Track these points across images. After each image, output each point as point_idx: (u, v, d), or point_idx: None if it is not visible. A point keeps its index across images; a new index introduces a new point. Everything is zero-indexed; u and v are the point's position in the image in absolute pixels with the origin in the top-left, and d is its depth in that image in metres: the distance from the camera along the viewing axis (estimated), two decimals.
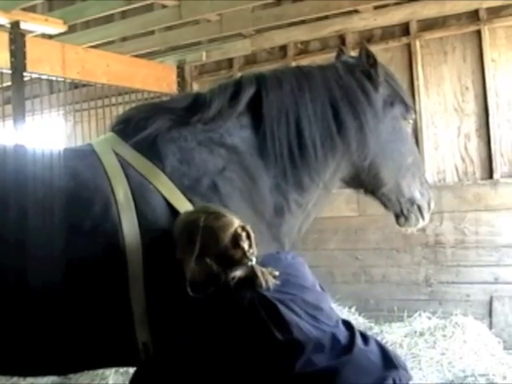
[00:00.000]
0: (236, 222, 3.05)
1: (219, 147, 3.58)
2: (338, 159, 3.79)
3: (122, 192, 3.26)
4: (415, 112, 4.24)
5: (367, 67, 3.96)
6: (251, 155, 3.63)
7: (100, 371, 6.50)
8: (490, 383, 5.77)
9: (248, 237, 3.02)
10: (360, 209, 7.94)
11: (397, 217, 4.21)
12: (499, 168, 7.56)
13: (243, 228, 3.04)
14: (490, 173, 7.65)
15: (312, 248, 7.98)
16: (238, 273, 2.94)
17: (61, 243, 3.13)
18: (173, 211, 3.27)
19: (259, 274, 2.93)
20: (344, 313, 7.58)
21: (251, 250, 3.00)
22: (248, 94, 3.74)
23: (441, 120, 7.79)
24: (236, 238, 2.99)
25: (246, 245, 2.99)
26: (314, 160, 3.69)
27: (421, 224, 4.28)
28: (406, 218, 4.18)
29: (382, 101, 3.99)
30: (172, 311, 3.25)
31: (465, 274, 7.44)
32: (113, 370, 6.55)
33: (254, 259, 2.98)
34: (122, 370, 6.57)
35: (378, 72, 3.96)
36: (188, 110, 3.67)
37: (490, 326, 7.20)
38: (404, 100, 4.13)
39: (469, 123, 7.83)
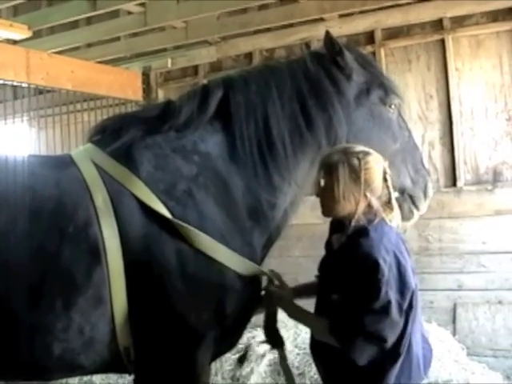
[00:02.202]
0: (380, 157, 3.38)
1: (192, 154, 3.60)
2: (309, 155, 3.76)
3: (100, 199, 3.29)
4: (398, 96, 4.09)
5: (334, 55, 3.86)
6: (223, 160, 3.65)
7: (63, 381, 6.45)
8: None
9: (389, 171, 3.37)
10: None
11: None
12: (463, 176, 7.62)
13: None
14: (453, 181, 7.71)
15: (277, 255, 7.90)
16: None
17: (46, 250, 3.16)
18: (150, 215, 3.31)
19: (393, 206, 3.35)
20: None
21: (391, 184, 3.34)
22: (216, 97, 3.74)
23: None
24: (385, 171, 3.30)
25: (390, 179, 3.32)
26: (284, 157, 3.68)
27: (416, 215, 4.14)
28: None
29: (356, 89, 3.91)
30: (155, 314, 3.29)
31: (429, 281, 7.47)
32: (76, 379, 6.52)
33: (396, 193, 3.40)
34: (85, 378, 6.54)
35: (346, 59, 3.85)
36: (159, 119, 3.70)
37: (454, 333, 7.25)
38: (383, 84, 4.02)
39: (433, 131, 7.89)
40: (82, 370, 3.48)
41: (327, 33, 3.91)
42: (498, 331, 7.20)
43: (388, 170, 3.33)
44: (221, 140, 3.70)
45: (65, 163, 3.52)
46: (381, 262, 3.04)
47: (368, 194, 3.23)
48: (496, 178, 7.50)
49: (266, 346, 6.16)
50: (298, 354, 6.36)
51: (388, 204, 3.33)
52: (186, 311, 3.29)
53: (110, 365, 3.47)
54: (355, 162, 3.27)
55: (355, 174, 3.25)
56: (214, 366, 6.27)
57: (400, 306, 3.06)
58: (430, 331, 6.79)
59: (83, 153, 3.61)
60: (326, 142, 3.74)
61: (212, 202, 3.46)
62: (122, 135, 3.62)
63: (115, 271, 3.20)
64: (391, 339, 3.07)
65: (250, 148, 3.65)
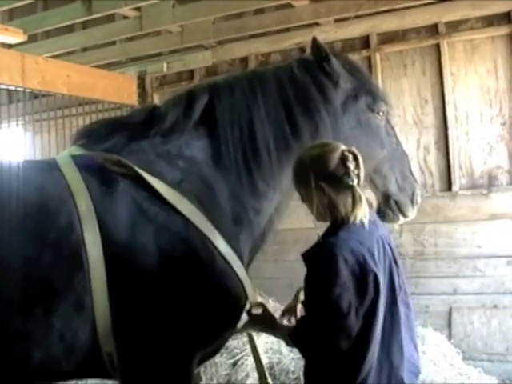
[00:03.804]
0: (341, 146, 3.23)
1: (177, 159, 3.59)
2: None
3: (83, 204, 3.24)
4: (386, 103, 4.05)
5: (321, 62, 3.85)
6: (208, 165, 3.63)
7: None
8: None
9: (355, 158, 3.17)
10: None
11: None
12: (458, 180, 7.64)
13: (349, 151, 3.19)
14: (448, 185, 7.73)
15: (272, 260, 7.98)
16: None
17: (27, 255, 3.11)
18: (133, 221, 3.28)
19: (357, 198, 3.11)
20: None
21: (356, 171, 3.13)
22: (201, 102, 3.74)
23: (400, 132, 7.75)
24: (344, 159, 3.13)
25: (351, 165, 3.12)
26: (269, 163, 3.67)
27: (401, 221, 4.07)
28: (383, 215, 3.96)
29: (344, 95, 3.89)
30: (138, 320, 3.26)
31: (424, 286, 7.48)
32: (72, 382, 6.48)
33: (356, 180, 3.13)
34: (80, 382, 6.51)
35: (332, 65, 3.84)
36: (145, 124, 3.68)
37: (449, 337, 7.25)
38: (371, 91, 4.00)
39: (428, 136, 7.91)
40: (64, 375, 3.45)
41: (314, 39, 3.90)
42: (494, 335, 7.21)
43: (351, 157, 3.16)
44: (206, 145, 3.69)
45: (49, 168, 3.48)
46: (340, 262, 2.94)
47: (323, 185, 3.12)
48: (491, 183, 7.52)
49: (262, 352, 6.15)
50: (293, 359, 6.36)
51: (351, 195, 3.13)
52: (170, 317, 3.27)
53: (94, 370, 3.44)
54: (302, 158, 3.26)
55: (302, 169, 3.22)
56: (210, 370, 6.27)
57: (356, 309, 2.95)
58: (425, 335, 6.81)
59: (67, 157, 3.58)
60: None
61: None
62: (107, 140, 3.60)
63: (97, 277, 3.16)
64: (343, 346, 2.95)
65: (235, 154, 3.64)
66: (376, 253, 3.07)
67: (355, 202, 3.10)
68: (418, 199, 4.10)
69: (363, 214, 3.11)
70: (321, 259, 3.05)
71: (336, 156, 3.15)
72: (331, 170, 3.13)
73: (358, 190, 3.12)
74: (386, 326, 3.08)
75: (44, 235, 3.16)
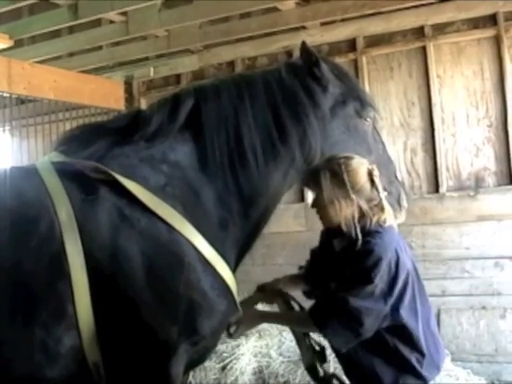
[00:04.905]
0: (364, 160, 3.60)
1: (161, 163, 3.52)
2: (282, 167, 3.70)
3: (64, 211, 3.18)
4: (374, 108, 4.06)
5: (310, 66, 3.83)
6: (194, 169, 3.57)
7: None
8: None
9: (375, 173, 3.55)
10: (308, 224, 7.94)
11: None
12: (445, 182, 7.66)
13: (371, 166, 3.58)
14: (435, 187, 7.75)
15: (261, 263, 7.97)
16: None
17: (7, 263, 3.06)
18: (115, 227, 3.23)
19: (384, 206, 3.54)
20: None
21: (380, 184, 3.54)
22: (187, 106, 3.68)
23: (387, 135, 7.81)
24: (370, 173, 3.51)
25: (377, 179, 3.51)
26: (255, 168, 3.61)
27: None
28: None
29: (332, 100, 3.86)
30: (124, 328, 3.22)
31: None
32: None
33: (382, 192, 3.56)
34: None
35: (322, 70, 3.81)
36: (129, 129, 3.62)
37: None
38: (359, 97, 3.99)
39: (415, 138, 7.92)
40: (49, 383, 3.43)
41: (303, 43, 3.87)
42: (482, 336, 7.23)
43: (376, 172, 3.51)
44: (191, 150, 3.62)
45: (29, 174, 3.42)
46: (383, 258, 3.32)
47: (354, 197, 3.43)
48: (478, 184, 7.54)
49: (251, 355, 6.15)
50: (282, 362, 6.35)
51: (378, 205, 3.51)
52: (155, 325, 3.24)
53: (80, 379, 3.37)
54: (336, 166, 3.47)
55: (337, 178, 3.44)
56: (199, 374, 6.26)
57: (385, 297, 3.36)
58: None
59: (48, 163, 3.50)
60: (299, 153, 3.69)
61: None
62: (88, 146, 3.53)
63: (79, 286, 3.10)
64: (368, 326, 3.33)
65: (221, 158, 3.58)
66: (403, 246, 3.56)
67: (383, 209, 3.50)
68: (405, 202, 4.09)
69: (391, 217, 3.56)
70: (365, 256, 3.39)
71: (365, 169, 3.51)
72: (363, 184, 3.49)
73: (383, 199, 3.52)
74: (424, 305, 3.71)
75: (24, 243, 3.10)
